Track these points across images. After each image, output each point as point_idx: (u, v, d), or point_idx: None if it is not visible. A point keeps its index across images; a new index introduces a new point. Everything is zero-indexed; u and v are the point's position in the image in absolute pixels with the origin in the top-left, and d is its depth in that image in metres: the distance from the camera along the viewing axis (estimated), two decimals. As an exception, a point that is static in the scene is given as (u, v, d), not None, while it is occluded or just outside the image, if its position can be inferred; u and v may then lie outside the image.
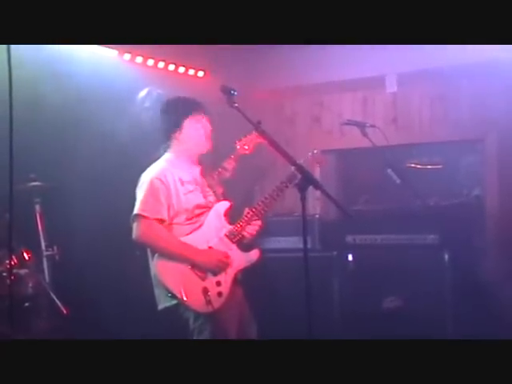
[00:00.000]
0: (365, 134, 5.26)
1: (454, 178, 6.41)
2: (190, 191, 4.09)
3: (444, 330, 5.37)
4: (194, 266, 3.98)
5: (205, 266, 3.99)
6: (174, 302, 3.94)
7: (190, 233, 4.06)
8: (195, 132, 4.16)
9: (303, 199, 3.54)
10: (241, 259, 4.17)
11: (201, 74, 6.77)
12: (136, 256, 5.29)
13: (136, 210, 3.94)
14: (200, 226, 4.09)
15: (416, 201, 5.60)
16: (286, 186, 4.16)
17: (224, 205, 4.22)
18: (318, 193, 3.81)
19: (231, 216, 4.22)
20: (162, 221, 3.95)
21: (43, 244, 4.74)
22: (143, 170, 4.22)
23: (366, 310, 5.65)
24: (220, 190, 4.30)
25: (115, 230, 5.21)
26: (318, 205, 6.24)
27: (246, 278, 4.32)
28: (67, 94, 5.10)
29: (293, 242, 5.91)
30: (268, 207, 4.20)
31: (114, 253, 5.17)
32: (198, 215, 4.07)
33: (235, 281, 4.11)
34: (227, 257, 4.07)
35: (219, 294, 3.99)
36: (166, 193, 3.99)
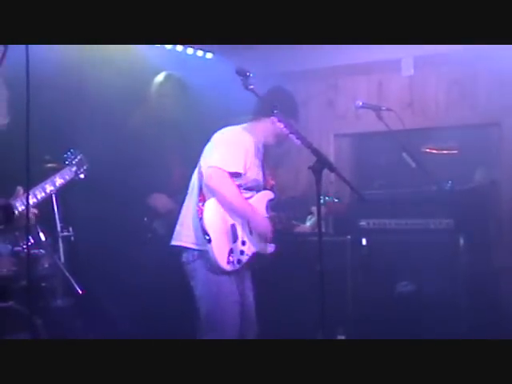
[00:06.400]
0: (380, 118, 5.23)
1: (470, 162, 6.37)
2: (257, 165, 4.65)
3: (458, 315, 5.40)
4: (254, 225, 4.58)
5: (255, 226, 4.61)
6: (199, 248, 4.46)
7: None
8: (278, 133, 4.66)
9: (318, 182, 3.59)
10: (261, 245, 4.72)
11: (209, 55, 6.81)
12: (148, 238, 5.44)
13: (214, 162, 4.43)
14: (250, 198, 4.64)
15: (431, 185, 5.61)
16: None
17: (269, 195, 4.81)
18: (332, 176, 3.89)
19: (270, 207, 4.82)
20: (238, 174, 4.47)
21: (59, 225, 4.74)
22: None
23: (379, 295, 5.70)
24: (271, 182, 4.88)
25: (129, 214, 5.33)
26: (333, 188, 6.28)
27: (264, 261, 4.80)
28: (82, 77, 5.20)
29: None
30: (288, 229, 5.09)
31: (127, 234, 5.28)
32: (252, 188, 4.63)
33: (251, 260, 4.64)
34: (268, 228, 4.67)
35: (238, 261, 4.51)
36: (246, 155, 4.54)
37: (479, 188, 5.98)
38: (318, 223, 3.82)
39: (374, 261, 5.81)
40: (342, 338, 5.67)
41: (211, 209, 4.43)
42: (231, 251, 4.46)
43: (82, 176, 4.48)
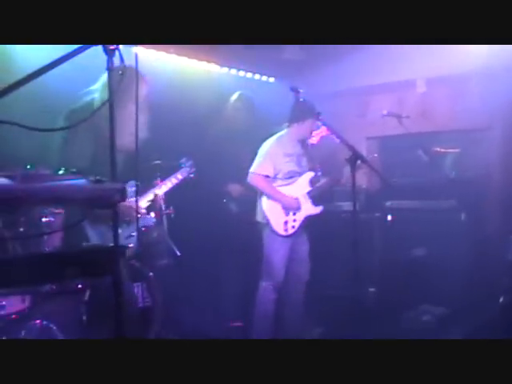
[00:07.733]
0: (401, 124, 5.42)
1: (468, 158, 6.24)
2: (287, 162, 5.17)
3: (458, 274, 5.42)
4: (282, 205, 5.09)
5: (284, 205, 5.08)
6: (265, 222, 5.13)
7: (285, 185, 5.11)
8: (309, 129, 5.13)
9: (353, 172, 3.78)
10: (311, 209, 5.23)
11: (272, 79, 7.16)
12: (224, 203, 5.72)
13: (252, 169, 5.12)
14: (292, 183, 5.15)
15: (439, 174, 5.79)
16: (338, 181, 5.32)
17: (310, 174, 5.25)
18: (364, 168, 3.98)
19: (312, 181, 5.26)
20: (267, 176, 5.07)
21: (163, 206, 4.83)
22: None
23: (399, 257, 5.88)
24: (311, 164, 5.31)
25: (212, 199, 5.54)
26: (365, 178, 6.29)
27: (316, 229, 5.34)
28: (180, 99, 5.48)
29: (346, 205, 6.07)
30: (330, 185, 5.36)
31: (213, 211, 5.49)
32: (291, 176, 5.14)
33: (305, 221, 5.19)
34: (298, 204, 5.12)
35: (293, 226, 5.14)
36: (274, 161, 5.08)
37: (476, 177, 5.97)
38: (354, 203, 3.88)
39: (396, 232, 5.99)
40: (373, 289, 5.75)
41: (266, 201, 5.15)
42: (286, 223, 5.10)
43: (192, 176, 5.14)
